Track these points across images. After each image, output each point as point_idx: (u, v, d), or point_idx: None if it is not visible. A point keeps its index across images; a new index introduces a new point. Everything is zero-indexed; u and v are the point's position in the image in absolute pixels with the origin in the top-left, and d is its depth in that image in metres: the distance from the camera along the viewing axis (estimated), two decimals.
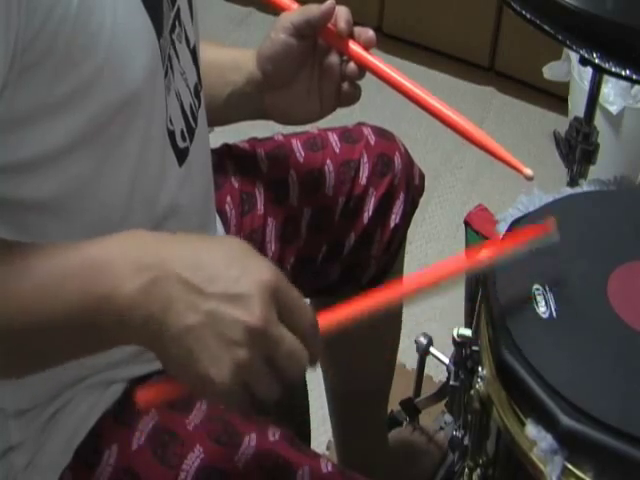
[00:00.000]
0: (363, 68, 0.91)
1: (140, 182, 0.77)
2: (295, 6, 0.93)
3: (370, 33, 0.90)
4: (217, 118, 0.99)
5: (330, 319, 0.68)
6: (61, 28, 0.63)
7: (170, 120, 0.79)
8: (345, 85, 0.93)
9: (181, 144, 0.82)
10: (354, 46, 0.90)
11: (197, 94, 0.87)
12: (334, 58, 0.91)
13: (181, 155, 0.83)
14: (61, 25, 0.63)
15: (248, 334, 0.61)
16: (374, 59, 0.89)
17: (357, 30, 0.90)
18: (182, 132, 0.82)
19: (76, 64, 0.66)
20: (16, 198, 0.70)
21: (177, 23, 0.81)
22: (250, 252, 0.65)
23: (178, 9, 0.81)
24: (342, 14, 0.89)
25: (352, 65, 0.91)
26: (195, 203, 0.87)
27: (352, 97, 0.94)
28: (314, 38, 0.91)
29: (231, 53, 0.99)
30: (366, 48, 0.90)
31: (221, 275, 0.62)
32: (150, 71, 0.73)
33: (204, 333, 0.61)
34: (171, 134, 0.80)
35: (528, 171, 0.80)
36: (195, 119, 0.85)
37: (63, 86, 0.66)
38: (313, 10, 0.89)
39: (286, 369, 0.63)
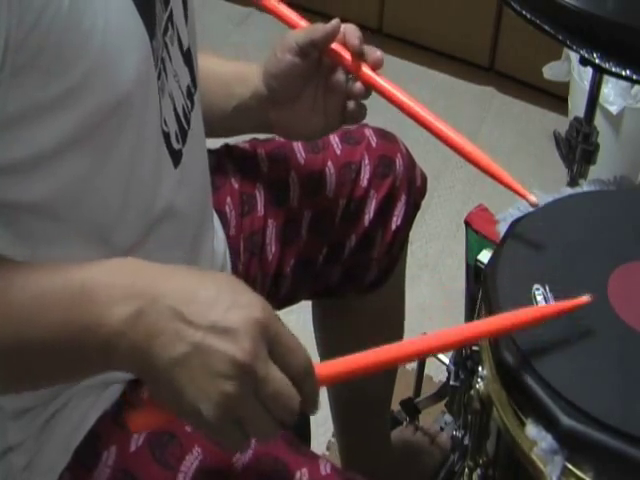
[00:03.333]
0: (369, 88, 0.89)
1: (135, 184, 0.77)
2: (303, 23, 0.92)
3: (378, 53, 0.89)
4: (222, 129, 0.99)
5: (329, 369, 0.68)
6: (52, 28, 0.63)
7: (165, 122, 0.79)
8: (351, 104, 0.92)
9: (176, 146, 0.82)
10: (362, 66, 0.88)
11: (190, 96, 0.86)
12: (340, 76, 0.90)
13: (176, 157, 0.83)
14: (52, 25, 0.63)
15: (235, 368, 0.60)
16: (381, 79, 0.88)
17: (364, 49, 0.89)
18: (176, 134, 0.82)
19: (68, 65, 0.66)
20: (8, 200, 0.70)
21: (170, 25, 0.81)
22: (242, 288, 0.65)
23: (171, 11, 0.81)
24: (351, 32, 0.88)
25: (358, 83, 0.89)
26: (191, 205, 0.87)
27: (357, 116, 0.93)
28: (319, 56, 0.90)
29: (237, 66, 0.99)
30: (373, 68, 0.88)
31: (211, 308, 0.62)
32: (142, 73, 0.73)
33: (190, 365, 0.61)
34: (166, 135, 0.80)
35: (532, 198, 0.80)
36: (188, 121, 0.85)
37: (56, 87, 0.66)
38: (318, 30, 0.88)
39: (273, 410, 0.62)
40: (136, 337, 0.62)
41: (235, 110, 0.97)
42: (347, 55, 0.89)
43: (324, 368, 0.67)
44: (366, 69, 0.88)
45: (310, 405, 0.65)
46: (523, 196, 0.81)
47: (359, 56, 0.88)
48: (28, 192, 0.70)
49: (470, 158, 0.85)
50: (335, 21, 0.88)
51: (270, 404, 0.62)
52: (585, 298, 0.73)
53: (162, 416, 0.66)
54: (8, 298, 0.64)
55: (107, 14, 0.67)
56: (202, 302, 0.62)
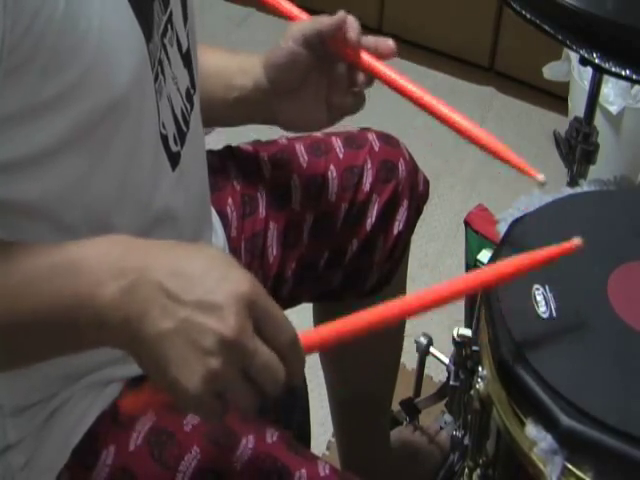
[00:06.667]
0: (375, 77, 0.89)
1: (130, 186, 0.77)
2: (304, 16, 0.92)
3: (390, 42, 0.89)
4: (220, 119, 0.99)
5: (316, 337, 0.68)
6: (47, 31, 0.63)
7: (163, 124, 0.79)
8: (349, 95, 0.92)
9: (174, 148, 0.82)
10: (365, 56, 0.88)
11: (189, 98, 0.86)
12: (342, 67, 0.90)
13: (174, 159, 0.83)
14: (47, 28, 0.63)
15: (220, 344, 0.61)
16: (386, 68, 0.88)
17: (375, 40, 0.89)
18: (174, 136, 0.82)
19: (63, 66, 0.66)
20: (0, 199, 0.70)
21: (169, 27, 0.81)
22: (230, 262, 0.65)
23: (171, 13, 0.81)
24: (352, 23, 0.88)
25: (361, 74, 0.89)
26: (189, 208, 0.87)
27: (358, 105, 0.93)
28: (323, 48, 0.90)
29: (237, 58, 0.98)
30: (387, 57, 0.88)
31: (198, 283, 0.63)
32: (138, 75, 0.73)
33: (177, 340, 0.61)
34: (164, 138, 0.80)
35: (541, 177, 0.80)
36: (187, 123, 0.85)
37: (50, 88, 0.66)
38: (324, 22, 0.88)
39: (260, 382, 0.63)
40: (128, 311, 0.62)
41: (236, 101, 0.96)
42: (347, 45, 0.88)
43: (309, 336, 0.67)
44: (370, 59, 0.88)
45: (295, 376, 0.65)
46: (531, 175, 0.80)
47: (359, 47, 0.88)
48: (21, 192, 0.70)
49: (476, 141, 0.84)
50: (341, 14, 0.88)
51: (256, 377, 0.63)
52: (576, 241, 0.73)
53: (152, 397, 0.66)
54: (2, 277, 0.65)
55: (103, 15, 0.67)
56: (190, 277, 0.63)
